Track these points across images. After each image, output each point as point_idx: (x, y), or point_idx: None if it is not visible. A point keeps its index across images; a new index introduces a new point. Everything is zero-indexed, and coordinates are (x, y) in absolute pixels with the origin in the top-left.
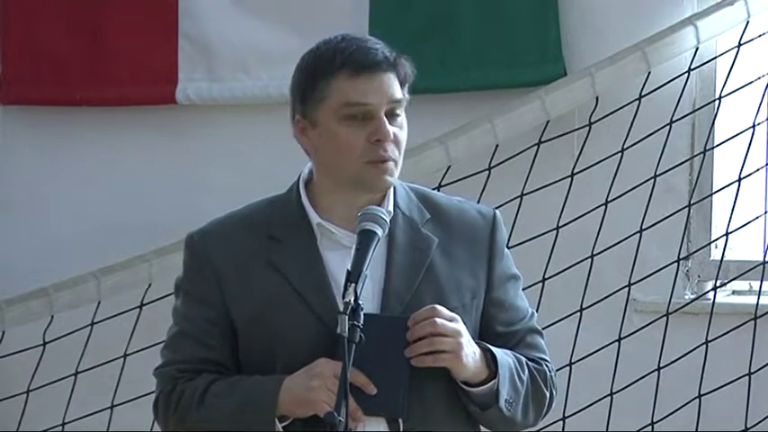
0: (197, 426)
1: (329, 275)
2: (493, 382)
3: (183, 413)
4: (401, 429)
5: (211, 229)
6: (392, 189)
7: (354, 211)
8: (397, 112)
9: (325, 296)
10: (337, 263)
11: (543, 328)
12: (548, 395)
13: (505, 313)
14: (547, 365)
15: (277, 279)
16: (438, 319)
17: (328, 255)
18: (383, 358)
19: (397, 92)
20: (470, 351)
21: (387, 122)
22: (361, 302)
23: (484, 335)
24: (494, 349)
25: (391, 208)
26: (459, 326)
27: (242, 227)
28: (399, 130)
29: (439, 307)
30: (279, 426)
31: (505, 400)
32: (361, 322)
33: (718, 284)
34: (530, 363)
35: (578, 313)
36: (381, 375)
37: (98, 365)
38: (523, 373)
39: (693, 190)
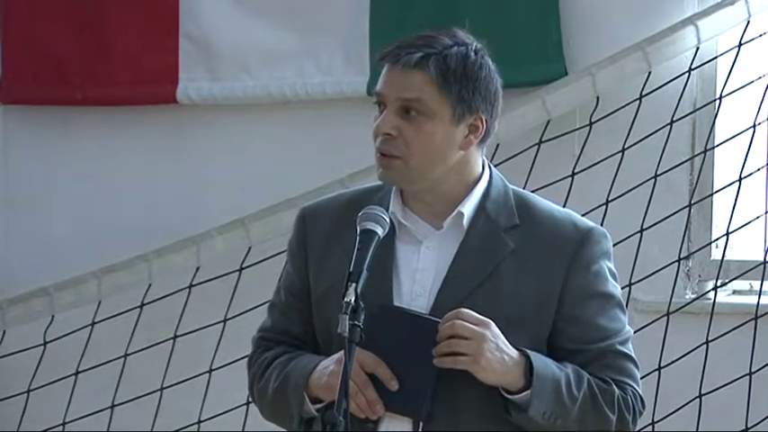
0: (258, 396)
1: (393, 266)
2: (527, 392)
3: (252, 381)
4: (420, 430)
5: (317, 205)
6: (482, 190)
7: (423, 206)
8: (413, 110)
9: (382, 285)
10: (404, 254)
11: None
12: (612, 418)
13: (579, 330)
14: (623, 388)
15: (345, 263)
16: (458, 322)
17: (399, 245)
18: (413, 357)
19: (411, 91)
20: (496, 356)
21: (390, 117)
22: (362, 302)
23: (555, 350)
24: (534, 359)
25: (465, 209)
26: (486, 330)
27: (344, 207)
28: (412, 129)
29: (465, 310)
30: (310, 406)
31: (543, 413)
32: (399, 317)
33: (718, 284)
34: (595, 380)
35: None
36: (408, 374)
37: (98, 365)
38: (578, 390)
39: (694, 190)
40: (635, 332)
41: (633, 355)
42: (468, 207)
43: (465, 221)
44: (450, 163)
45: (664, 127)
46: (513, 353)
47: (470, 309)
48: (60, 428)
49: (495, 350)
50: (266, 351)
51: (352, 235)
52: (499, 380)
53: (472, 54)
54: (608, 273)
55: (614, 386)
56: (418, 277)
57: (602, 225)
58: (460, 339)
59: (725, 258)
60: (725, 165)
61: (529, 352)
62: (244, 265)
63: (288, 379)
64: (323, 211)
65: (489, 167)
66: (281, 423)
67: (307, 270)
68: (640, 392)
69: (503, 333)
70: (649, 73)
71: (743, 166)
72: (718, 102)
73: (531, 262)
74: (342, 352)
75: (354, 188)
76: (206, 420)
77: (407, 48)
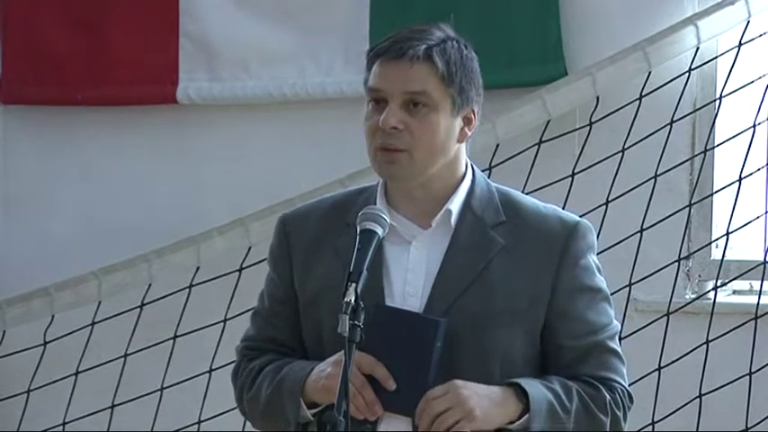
0: (249, 405)
1: (383, 267)
2: (524, 418)
3: (240, 391)
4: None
5: (299, 210)
6: (467, 187)
7: (411, 206)
8: (419, 103)
9: (374, 286)
10: (394, 255)
11: None
12: (606, 421)
13: (569, 325)
14: (611, 387)
15: (336, 265)
16: (429, 405)
17: (388, 246)
18: (409, 356)
19: (417, 84)
20: (483, 402)
21: (395, 111)
22: (362, 302)
23: (548, 345)
24: (525, 385)
25: (452, 207)
26: (455, 389)
27: (328, 211)
28: (417, 121)
29: (429, 393)
30: (307, 411)
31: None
32: (394, 317)
33: (718, 284)
34: (583, 389)
35: None
36: (405, 373)
37: (98, 365)
38: (570, 403)
39: (694, 190)
40: (635, 332)
41: (620, 350)
42: (456, 205)
43: (453, 219)
44: (449, 156)
45: (664, 127)
46: (495, 388)
47: (463, 306)
48: (60, 428)
49: (476, 397)
50: (253, 360)
51: (342, 236)
52: (502, 419)
53: (464, 47)
54: (594, 267)
55: (603, 389)
56: (410, 278)
57: (601, 225)
58: (445, 413)
59: (725, 258)
60: (725, 165)
61: (516, 380)
62: (244, 265)
63: (282, 385)
64: (305, 217)
65: (471, 165)
66: (273, 430)
67: (291, 275)
68: (627, 388)
69: (498, 330)
70: (649, 73)
71: (743, 166)
72: (718, 102)
73: (521, 258)
74: (338, 355)
75: (334, 193)
76: (206, 420)
77: (407, 42)
